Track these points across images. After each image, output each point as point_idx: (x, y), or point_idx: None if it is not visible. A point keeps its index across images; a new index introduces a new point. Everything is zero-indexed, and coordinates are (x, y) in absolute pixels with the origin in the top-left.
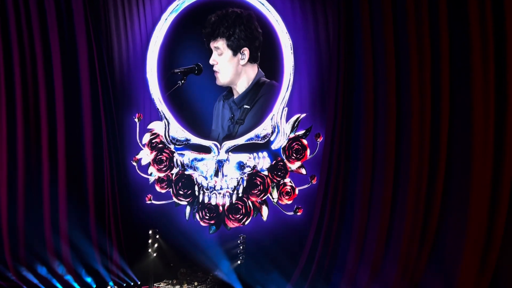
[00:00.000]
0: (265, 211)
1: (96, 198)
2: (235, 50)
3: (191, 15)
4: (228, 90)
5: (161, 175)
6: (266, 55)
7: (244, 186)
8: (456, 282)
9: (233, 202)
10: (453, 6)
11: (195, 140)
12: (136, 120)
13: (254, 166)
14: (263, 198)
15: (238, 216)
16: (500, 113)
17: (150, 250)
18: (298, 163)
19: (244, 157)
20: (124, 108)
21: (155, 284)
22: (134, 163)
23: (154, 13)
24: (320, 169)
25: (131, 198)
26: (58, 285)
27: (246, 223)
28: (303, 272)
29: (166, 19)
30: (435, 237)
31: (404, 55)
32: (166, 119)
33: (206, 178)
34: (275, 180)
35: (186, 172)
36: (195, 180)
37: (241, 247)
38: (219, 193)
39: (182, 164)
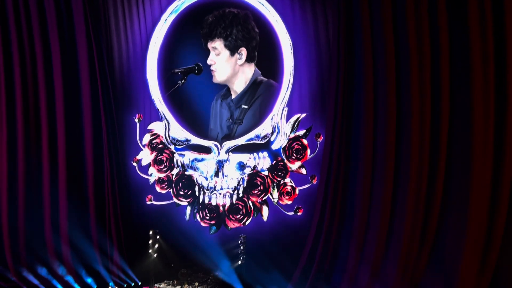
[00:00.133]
0: (265, 211)
1: (97, 198)
2: (233, 50)
3: (190, 16)
4: (226, 90)
5: (162, 175)
6: (266, 55)
7: (245, 186)
8: (456, 282)
9: (234, 202)
10: (452, 6)
11: (195, 140)
12: (136, 120)
13: (255, 166)
14: (264, 198)
15: (238, 216)
16: (500, 113)
17: (150, 251)
18: (298, 163)
19: (244, 157)
20: (124, 108)
21: (155, 285)
22: (135, 164)
23: (154, 14)
24: (320, 169)
25: (132, 199)
26: (58, 285)
27: (247, 223)
28: (303, 272)
29: (166, 20)
30: (435, 237)
31: (404, 55)
32: (166, 119)
33: (206, 179)
34: (275, 180)
35: (187, 173)
36: (195, 180)
37: (241, 247)
38: (220, 194)
39: (183, 165)
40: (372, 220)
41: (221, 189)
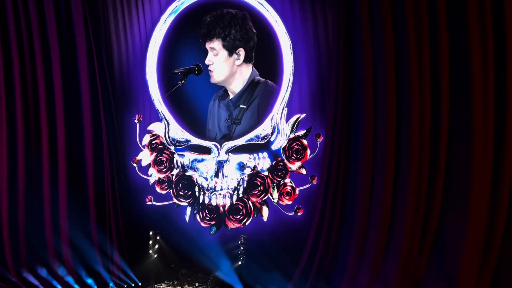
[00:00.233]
0: (265, 211)
1: (97, 199)
2: (231, 51)
3: (190, 16)
4: (223, 90)
5: (161, 176)
6: (265, 56)
7: (245, 186)
8: (456, 281)
9: (234, 202)
10: (452, 5)
11: (195, 141)
12: (136, 121)
13: (254, 167)
14: (264, 199)
15: (238, 216)
16: (500, 112)
17: (150, 251)
18: (298, 163)
19: (244, 157)
20: (124, 109)
21: (156, 285)
22: (134, 164)
23: (153, 14)
24: (320, 169)
25: (132, 199)
26: (59, 286)
27: (247, 223)
28: (304, 272)
29: (165, 21)
30: (435, 237)
31: (403, 54)
32: (166, 120)
33: (206, 179)
34: (275, 181)
35: (187, 173)
36: (195, 181)
37: (241, 248)
38: (220, 194)
39: (183, 165)
40: (372, 220)
41: (221, 189)
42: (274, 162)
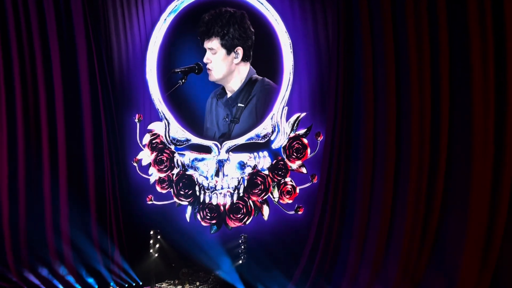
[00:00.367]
0: (266, 210)
1: (97, 199)
2: (229, 49)
3: (190, 15)
4: (221, 89)
5: (162, 175)
6: (265, 54)
7: (245, 185)
8: (456, 281)
9: (234, 201)
10: (452, 5)
11: (195, 140)
12: (136, 120)
13: (255, 166)
14: (264, 198)
15: (239, 215)
16: (500, 112)
17: (151, 251)
18: (298, 162)
19: (244, 156)
20: (124, 108)
21: (156, 285)
22: (135, 164)
23: (153, 14)
24: (320, 168)
25: (132, 199)
26: (60, 286)
27: (247, 222)
28: (304, 271)
29: (165, 20)
30: (435, 237)
31: (403, 54)
32: (166, 119)
33: (207, 178)
34: (275, 180)
35: (187, 172)
36: (196, 180)
37: (242, 247)
38: (220, 193)
39: (183, 164)
40: (372, 220)
41: (222, 188)
42: (275, 161)
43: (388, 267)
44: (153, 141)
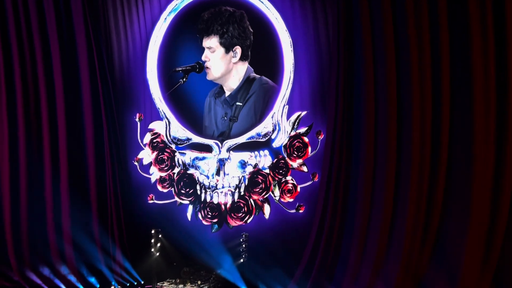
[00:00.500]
0: (267, 209)
1: (98, 198)
2: (228, 48)
3: (190, 14)
4: (219, 87)
5: (163, 174)
6: (266, 53)
7: (246, 184)
8: (458, 280)
9: (235, 200)
10: (453, 5)
11: (196, 139)
12: (137, 120)
13: (256, 165)
14: (265, 196)
15: (240, 214)
16: (501, 112)
17: (153, 250)
18: (299, 161)
19: (245, 155)
20: (125, 108)
21: (158, 284)
22: (136, 163)
23: (153, 13)
24: (321, 166)
25: (133, 198)
26: (61, 285)
27: (248, 221)
28: (305, 269)
29: (165, 19)
30: (436, 236)
31: (404, 53)
32: (167, 118)
33: (208, 177)
34: (276, 178)
35: (188, 172)
36: (197, 179)
37: (243, 246)
38: (221, 192)
39: (184, 164)
40: (373, 218)
41: (223, 187)
42: (275, 159)
43: (389, 266)
44: (154, 140)
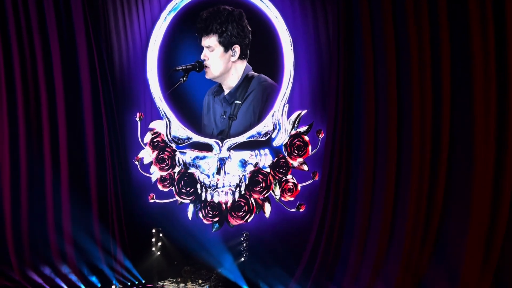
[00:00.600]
0: (267, 208)
1: (99, 197)
2: (227, 47)
3: (190, 13)
4: (218, 86)
5: (163, 174)
6: (266, 52)
7: (247, 183)
8: (458, 280)
9: (236, 199)
10: (453, 4)
11: (196, 138)
12: (137, 119)
13: (256, 164)
14: (266, 195)
15: (241, 213)
16: (502, 111)
17: (153, 249)
18: (300, 160)
19: (246, 154)
20: (125, 107)
21: (159, 283)
22: (136, 162)
23: (153, 12)
24: (322, 165)
25: (134, 197)
26: (62, 284)
27: (249, 220)
28: (306, 268)
29: (165, 18)
30: (436, 236)
31: (404, 52)
32: (167, 118)
33: (208, 176)
34: (277, 177)
35: (189, 171)
36: (197, 178)
37: (244, 244)
38: (222, 191)
39: (184, 163)
40: (374, 218)
41: (223, 186)
42: (276, 158)
43: (389, 265)
44: (154, 140)
